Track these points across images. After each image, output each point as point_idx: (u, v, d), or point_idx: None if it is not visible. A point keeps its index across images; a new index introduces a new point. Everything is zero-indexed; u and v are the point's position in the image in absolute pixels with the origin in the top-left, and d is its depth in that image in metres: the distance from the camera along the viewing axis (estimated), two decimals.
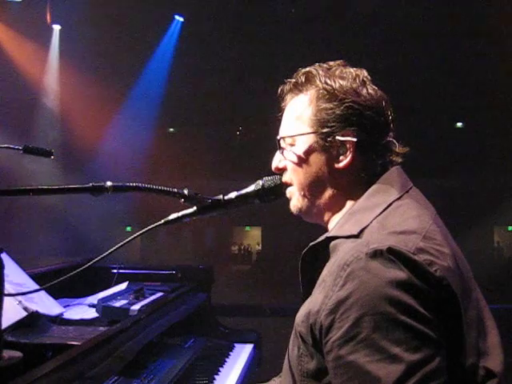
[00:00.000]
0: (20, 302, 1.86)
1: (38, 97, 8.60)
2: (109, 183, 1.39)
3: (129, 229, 11.34)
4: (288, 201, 1.44)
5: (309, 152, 1.34)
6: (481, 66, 8.38)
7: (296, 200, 1.40)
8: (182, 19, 8.89)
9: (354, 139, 1.30)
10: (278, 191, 1.48)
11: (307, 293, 1.31)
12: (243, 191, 1.51)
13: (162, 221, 1.49)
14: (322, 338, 1.15)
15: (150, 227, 1.47)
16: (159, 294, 2.55)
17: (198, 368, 2.41)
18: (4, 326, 1.30)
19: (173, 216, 1.50)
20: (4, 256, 1.27)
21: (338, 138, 1.30)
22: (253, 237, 15.17)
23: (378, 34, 8.04)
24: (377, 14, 7.78)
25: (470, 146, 10.17)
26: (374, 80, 1.39)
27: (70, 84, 8.52)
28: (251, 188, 1.50)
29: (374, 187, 1.31)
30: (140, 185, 1.45)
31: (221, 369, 2.45)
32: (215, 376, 2.36)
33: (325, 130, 1.31)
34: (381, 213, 1.24)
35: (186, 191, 1.48)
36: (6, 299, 1.33)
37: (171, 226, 1.50)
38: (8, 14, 7.77)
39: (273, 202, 1.51)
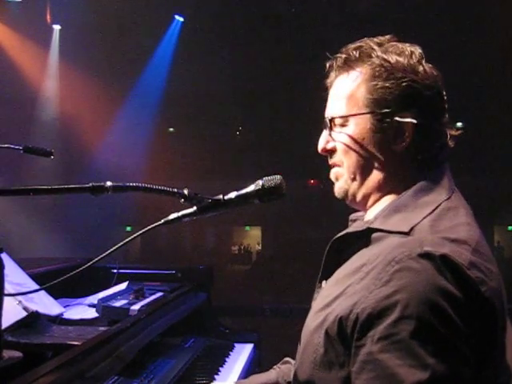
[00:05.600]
0: (20, 301, 1.86)
1: (37, 97, 8.60)
2: (109, 183, 1.38)
3: (129, 229, 11.35)
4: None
5: (364, 133, 1.27)
6: (481, 65, 8.38)
7: (344, 182, 1.33)
8: (182, 19, 8.90)
9: (414, 121, 1.23)
10: (278, 191, 1.45)
11: (327, 276, 1.28)
12: (243, 191, 1.49)
13: (162, 221, 1.48)
14: (354, 330, 1.10)
15: (149, 227, 1.47)
16: (159, 294, 2.55)
17: (198, 368, 2.41)
18: (4, 326, 1.29)
19: (173, 216, 1.49)
20: (4, 256, 1.27)
21: (396, 119, 1.23)
22: (253, 237, 15.16)
23: (377, 33, 8.02)
24: (376, 13, 7.76)
25: (470, 146, 10.16)
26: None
27: (69, 84, 8.52)
28: (251, 188, 1.48)
29: (422, 183, 1.24)
30: (140, 185, 1.44)
31: (221, 369, 2.45)
32: (215, 376, 2.36)
33: (383, 111, 1.24)
34: (431, 212, 1.19)
35: (185, 191, 1.47)
36: (6, 299, 1.32)
37: (171, 226, 1.49)
38: (8, 13, 7.77)
39: (273, 202, 1.51)
